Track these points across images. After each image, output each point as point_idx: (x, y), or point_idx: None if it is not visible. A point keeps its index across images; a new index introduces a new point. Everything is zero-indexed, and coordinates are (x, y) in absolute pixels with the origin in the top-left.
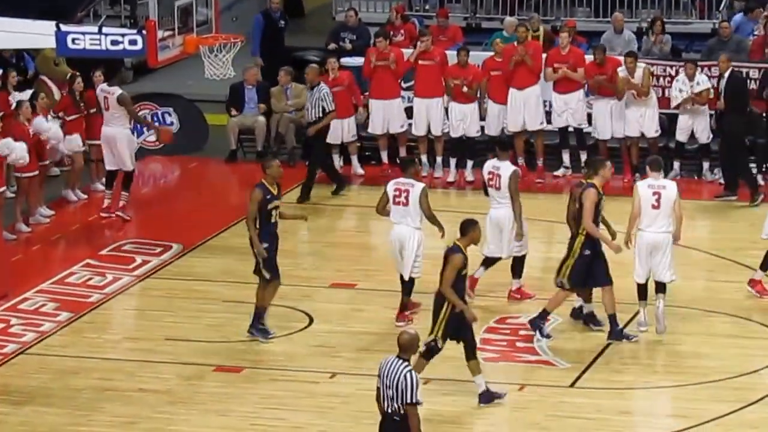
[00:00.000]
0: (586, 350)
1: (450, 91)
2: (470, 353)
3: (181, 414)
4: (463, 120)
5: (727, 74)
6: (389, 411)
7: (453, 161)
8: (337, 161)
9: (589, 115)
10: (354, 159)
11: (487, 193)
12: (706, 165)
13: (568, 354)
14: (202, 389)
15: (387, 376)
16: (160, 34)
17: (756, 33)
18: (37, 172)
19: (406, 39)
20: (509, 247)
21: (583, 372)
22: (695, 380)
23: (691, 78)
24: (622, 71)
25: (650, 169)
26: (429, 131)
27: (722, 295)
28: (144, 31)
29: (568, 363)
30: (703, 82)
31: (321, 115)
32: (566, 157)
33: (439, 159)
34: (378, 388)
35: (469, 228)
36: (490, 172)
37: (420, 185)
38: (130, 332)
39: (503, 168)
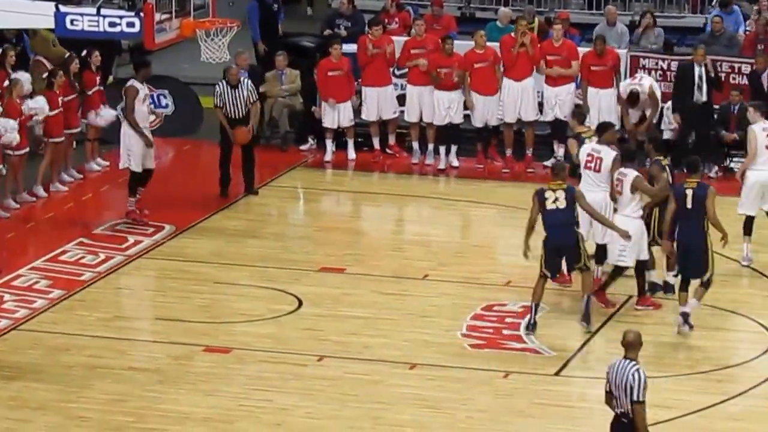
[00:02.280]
0: (571, 339)
1: (435, 81)
2: None
3: (170, 393)
4: (450, 107)
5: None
6: (619, 412)
7: (443, 149)
8: (330, 146)
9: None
10: (350, 143)
11: (573, 174)
12: None
13: (553, 342)
14: (192, 369)
15: (616, 377)
16: (157, 17)
17: (748, 29)
18: (27, 150)
19: (401, 27)
20: (602, 231)
21: (568, 361)
22: (680, 372)
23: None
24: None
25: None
26: (421, 118)
27: (709, 288)
28: (142, 14)
29: (553, 351)
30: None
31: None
32: (557, 148)
33: (430, 146)
34: (607, 392)
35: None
36: (589, 155)
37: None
38: (121, 311)
39: (605, 152)
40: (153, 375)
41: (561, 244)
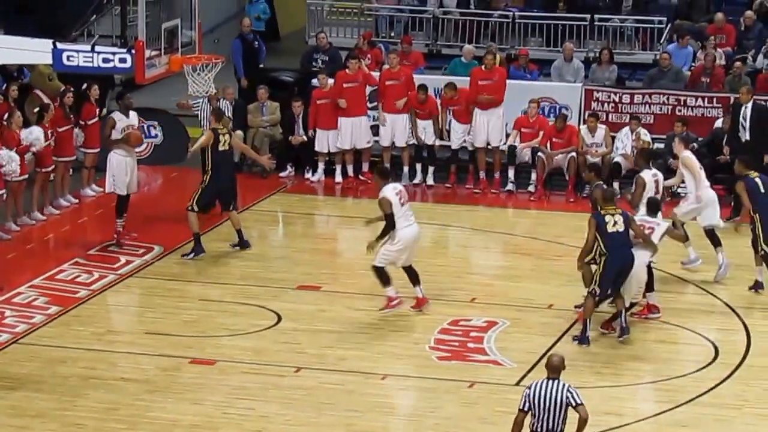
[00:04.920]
0: (531, 352)
1: (413, 115)
2: None
3: (158, 402)
4: (425, 130)
5: (750, 105)
6: (538, 428)
7: (419, 166)
8: (321, 169)
9: None
10: (338, 169)
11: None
12: None
13: (514, 355)
14: (179, 379)
15: (542, 397)
16: (147, 53)
17: (693, 65)
18: (26, 176)
19: (373, 63)
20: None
21: (528, 372)
22: (631, 381)
23: (592, 131)
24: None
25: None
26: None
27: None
28: (133, 51)
29: (514, 363)
30: (644, 134)
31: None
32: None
33: (405, 169)
34: (522, 411)
35: None
36: (656, 180)
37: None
38: (113, 326)
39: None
40: (143, 385)
41: (625, 264)
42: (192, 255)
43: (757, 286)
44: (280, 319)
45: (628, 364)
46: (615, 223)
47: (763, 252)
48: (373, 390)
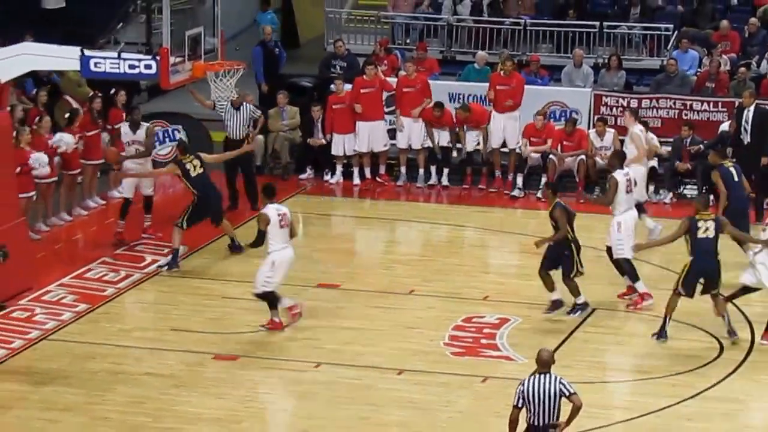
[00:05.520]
0: (542, 347)
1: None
2: None
3: (183, 396)
4: (439, 133)
5: (752, 108)
6: (534, 423)
7: (434, 168)
8: (339, 172)
9: None
10: (355, 171)
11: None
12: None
13: (525, 350)
14: (203, 374)
15: (536, 391)
16: (171, 60)
17: (699, 70)
18: (55, 178)
19: (389, 69)
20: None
21: None
22: (638, 377)
23: (600, 135)
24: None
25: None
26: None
27: (664, 302)
28: (158, 57)
29: (525, 358)
30: (651, 138)
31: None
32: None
33: (421, 171)
34: (516, 407)
35: None
36: (628, 180)
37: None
38: (139, 323)
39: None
40: (168, 380)
41: (707, 270)
42: (166, 268)
43: None
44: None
45: (637, 360)
46: (706, 229)
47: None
48: (389, 385)
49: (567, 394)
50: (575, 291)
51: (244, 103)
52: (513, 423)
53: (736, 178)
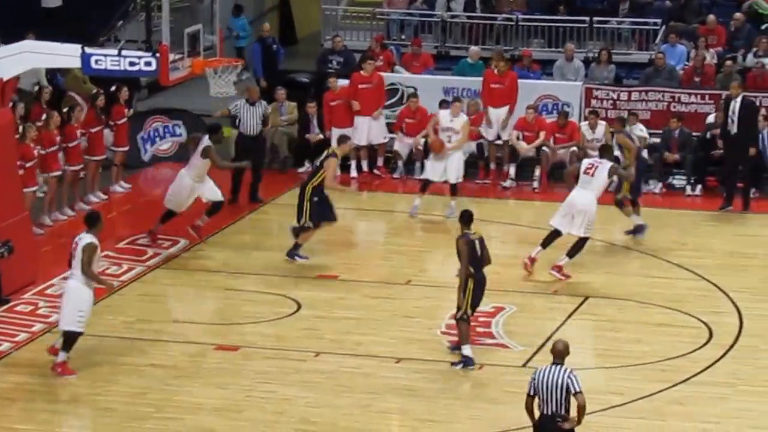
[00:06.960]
0: (536, 335)
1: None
2: None
3: (185, 386)
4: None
5: (739, 99)
6: (546, 412)
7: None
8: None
9: None
10: (353, 164)
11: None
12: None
13: (520, 338)
14: (204, 365)
15: (547, 381)
16: (171, 57)
17: (687, 64)
18: (60, 172)
19: (384, 64)
20: (582, 227)
21: (534, 354)
22: (631, 363)
23: (593, 127)
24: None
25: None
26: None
27: (655, 290)
28: (157, 54)
29: (521, 346)
30: (641, 130)
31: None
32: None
33: (417, 163)
34: (530, 395)
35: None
36: (590, 164)
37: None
38: (142, 315)
39: (603, 165)
40: (171, 371)
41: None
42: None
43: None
44: (300, 306)
45: (629, 346)
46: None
47: (622, 197)
48: (388, 373)
49: (572, 390)
50: (465, 338)
51: (260, 100)
52: (528, 410)
53: (638, 143)
